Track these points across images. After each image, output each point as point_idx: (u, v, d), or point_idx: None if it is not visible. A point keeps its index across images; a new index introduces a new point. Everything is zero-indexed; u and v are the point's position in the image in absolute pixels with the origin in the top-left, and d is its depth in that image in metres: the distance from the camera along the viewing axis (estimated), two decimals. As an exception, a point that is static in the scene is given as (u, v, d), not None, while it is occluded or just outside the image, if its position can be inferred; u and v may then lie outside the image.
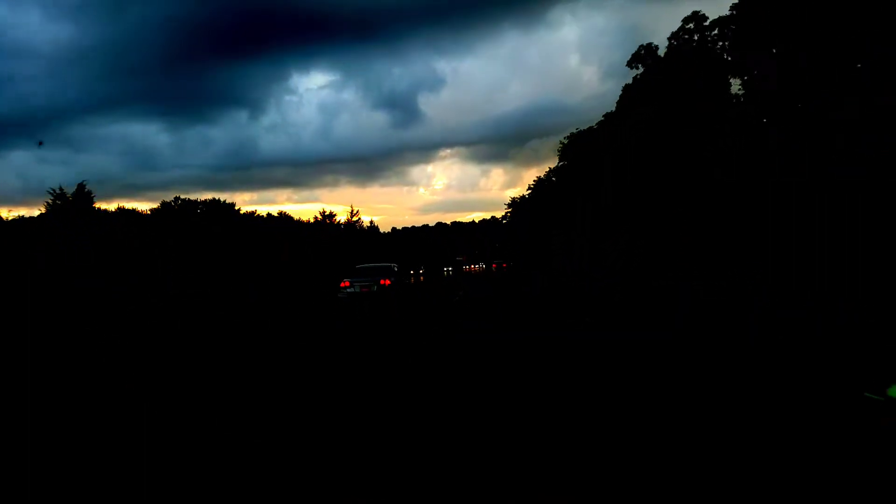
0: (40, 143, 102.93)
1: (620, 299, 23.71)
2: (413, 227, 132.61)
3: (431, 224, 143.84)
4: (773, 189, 15.88)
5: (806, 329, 13.97)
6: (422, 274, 54.65)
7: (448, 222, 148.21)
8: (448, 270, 71.59)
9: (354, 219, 58.92)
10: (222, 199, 55.06)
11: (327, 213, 59.98)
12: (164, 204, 47.57)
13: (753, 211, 17.11)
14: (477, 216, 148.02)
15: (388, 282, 24.84)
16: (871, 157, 14.03)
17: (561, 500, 4.54)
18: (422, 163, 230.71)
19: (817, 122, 15.16)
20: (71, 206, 34.36)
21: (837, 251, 14.76)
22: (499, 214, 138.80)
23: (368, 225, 72.38)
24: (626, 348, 14.11)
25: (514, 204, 71.95)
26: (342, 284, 25.19)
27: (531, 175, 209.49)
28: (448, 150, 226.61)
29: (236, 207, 50.93)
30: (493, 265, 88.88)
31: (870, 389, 5.48)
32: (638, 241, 22.06)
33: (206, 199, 49.63)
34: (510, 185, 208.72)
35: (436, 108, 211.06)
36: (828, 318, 14.50)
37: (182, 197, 47.44)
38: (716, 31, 21.20)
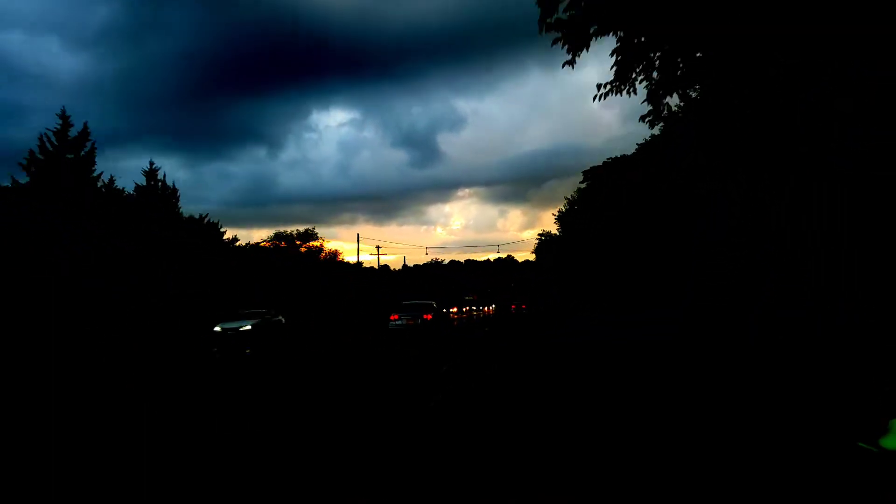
0: None
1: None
2: (425, 264, 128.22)
3: (446, 263, 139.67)
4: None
5: (806, 329, 13.94)
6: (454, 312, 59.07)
7: (462, 261, 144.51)
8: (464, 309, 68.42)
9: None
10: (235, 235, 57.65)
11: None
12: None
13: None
14: (493, 256, 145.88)
15: (430, 316, 28.71)
16: (857, 151, 13.99)
17: (561, 500, 4.52)
18: (440, 202, 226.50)
19: (816, 111, 15.02)
20: None
21: (834, 247, 14.71)
22: (517, 254, 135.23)
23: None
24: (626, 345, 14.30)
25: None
26: (392, 317, 28.84)
27: (548, 216, 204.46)
28: (466, 190, 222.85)
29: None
30: (513, 306, 77.13)
31: (863, 439, 5.25)
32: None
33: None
34: (528, 225, 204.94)
35: (455, 147, 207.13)
36: (828, 318, 14.47)
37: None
38: None
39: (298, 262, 54.93)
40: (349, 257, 74.46)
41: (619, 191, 36.59)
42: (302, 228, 66.10)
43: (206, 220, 43.63)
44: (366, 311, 49.62)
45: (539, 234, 65.62)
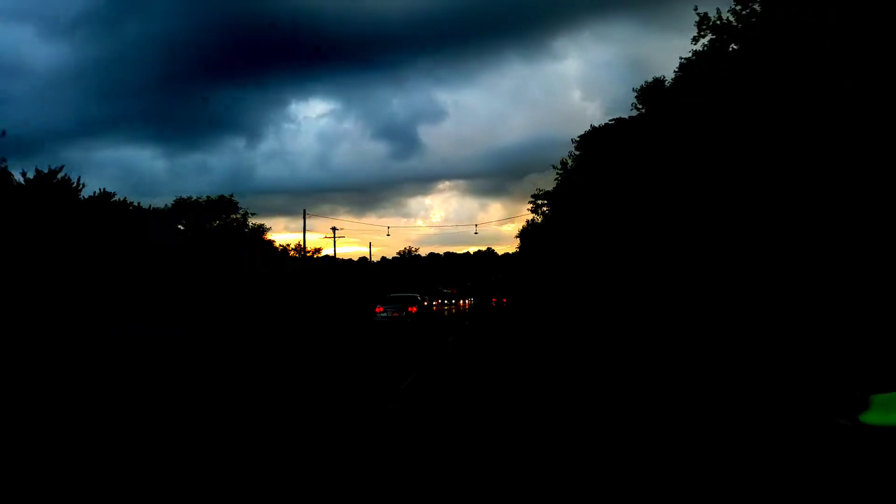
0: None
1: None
2: (402, 256, 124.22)
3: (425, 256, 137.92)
4: None
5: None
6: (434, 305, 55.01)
7: (441, 253, 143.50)
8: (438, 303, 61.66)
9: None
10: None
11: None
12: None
13: None
14: (473, 248, 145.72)
15: (415, 309, 28.75)
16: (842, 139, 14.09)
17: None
18: (420, 195, 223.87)
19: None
20: None
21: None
22: (497, 247, 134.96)
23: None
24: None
25: None
26: (377, 310, 28.46)
27: (527, 209, 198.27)
28: (447, 183, 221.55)
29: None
30: (493, 300, 76.56)
31: (842, 415, 5.23)
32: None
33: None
34: (508, 219, 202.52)
35: (436, 139, 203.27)
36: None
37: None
38: None
39: (190, 242, 37.52)
40: (327, 250, 58.33)
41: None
42: (215, 196, 47.16)
43: (61, 174, 25.60)
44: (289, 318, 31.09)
45: (532, 197, 57.15)
